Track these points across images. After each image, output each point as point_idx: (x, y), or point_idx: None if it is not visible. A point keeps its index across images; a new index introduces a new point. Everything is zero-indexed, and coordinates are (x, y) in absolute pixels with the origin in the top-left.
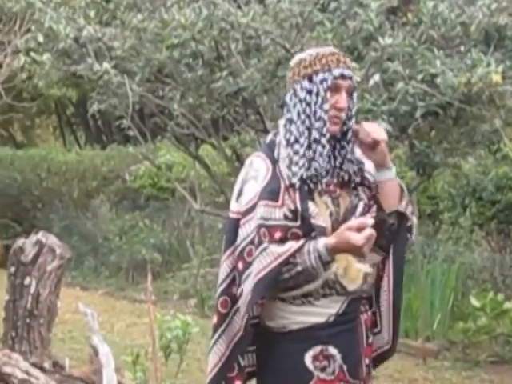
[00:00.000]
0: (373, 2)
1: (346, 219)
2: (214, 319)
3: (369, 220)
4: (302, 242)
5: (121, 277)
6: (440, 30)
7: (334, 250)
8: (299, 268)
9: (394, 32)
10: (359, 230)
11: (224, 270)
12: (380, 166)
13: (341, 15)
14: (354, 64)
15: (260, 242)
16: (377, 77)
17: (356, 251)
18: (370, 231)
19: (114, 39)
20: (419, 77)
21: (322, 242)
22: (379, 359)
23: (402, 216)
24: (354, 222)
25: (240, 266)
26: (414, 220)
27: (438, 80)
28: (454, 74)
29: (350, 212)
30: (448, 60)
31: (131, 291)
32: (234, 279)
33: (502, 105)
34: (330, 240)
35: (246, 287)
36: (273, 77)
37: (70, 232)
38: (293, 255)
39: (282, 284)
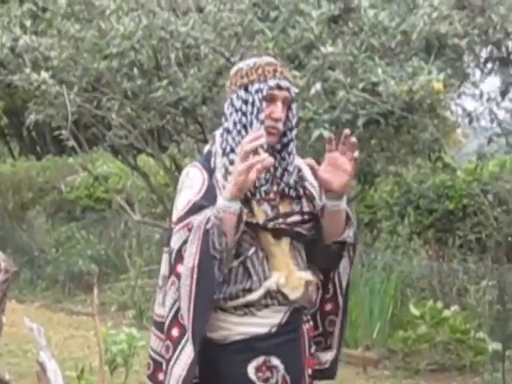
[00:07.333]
0: (313, 10)
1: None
2: (165, 351)
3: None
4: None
5: (57, 289)
6: (380, 39)
7: (231, 194)
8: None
9: (335, 41)
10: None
11: (170, 297)
12: (336, 196)
13: (281, 24)
14: (295, 72)
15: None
16: (318, 85)
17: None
18: (256, 159)
19: (50, 49)
20: (360, 85)
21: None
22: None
23: (344, 243)
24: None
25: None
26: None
27: (380, 88)
28: (396, 82)
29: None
30: (389, 68)
31: (68, 303)
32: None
33: (441, 113)
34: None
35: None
36: (213, 86)
37: (4, 244)
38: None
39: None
